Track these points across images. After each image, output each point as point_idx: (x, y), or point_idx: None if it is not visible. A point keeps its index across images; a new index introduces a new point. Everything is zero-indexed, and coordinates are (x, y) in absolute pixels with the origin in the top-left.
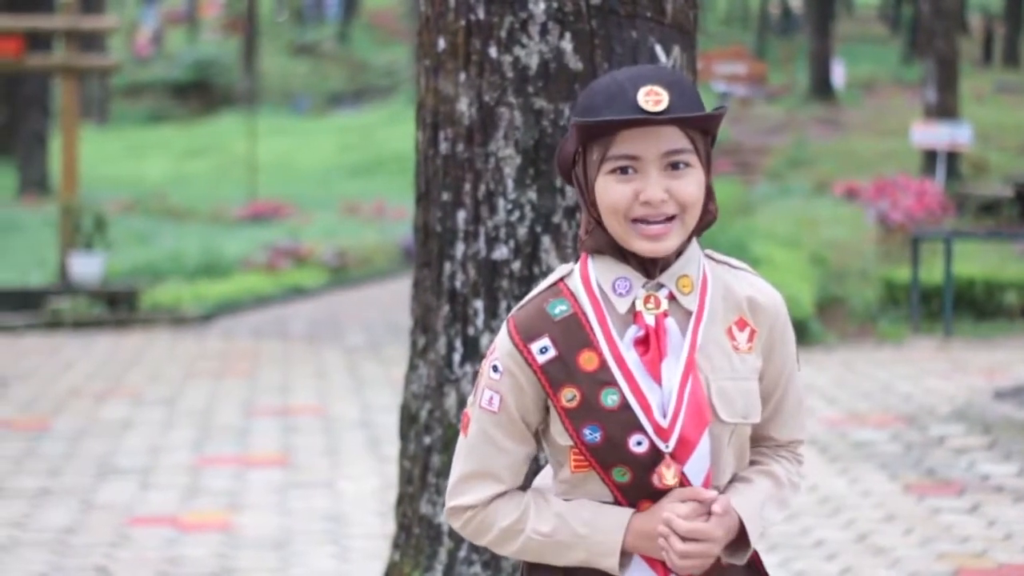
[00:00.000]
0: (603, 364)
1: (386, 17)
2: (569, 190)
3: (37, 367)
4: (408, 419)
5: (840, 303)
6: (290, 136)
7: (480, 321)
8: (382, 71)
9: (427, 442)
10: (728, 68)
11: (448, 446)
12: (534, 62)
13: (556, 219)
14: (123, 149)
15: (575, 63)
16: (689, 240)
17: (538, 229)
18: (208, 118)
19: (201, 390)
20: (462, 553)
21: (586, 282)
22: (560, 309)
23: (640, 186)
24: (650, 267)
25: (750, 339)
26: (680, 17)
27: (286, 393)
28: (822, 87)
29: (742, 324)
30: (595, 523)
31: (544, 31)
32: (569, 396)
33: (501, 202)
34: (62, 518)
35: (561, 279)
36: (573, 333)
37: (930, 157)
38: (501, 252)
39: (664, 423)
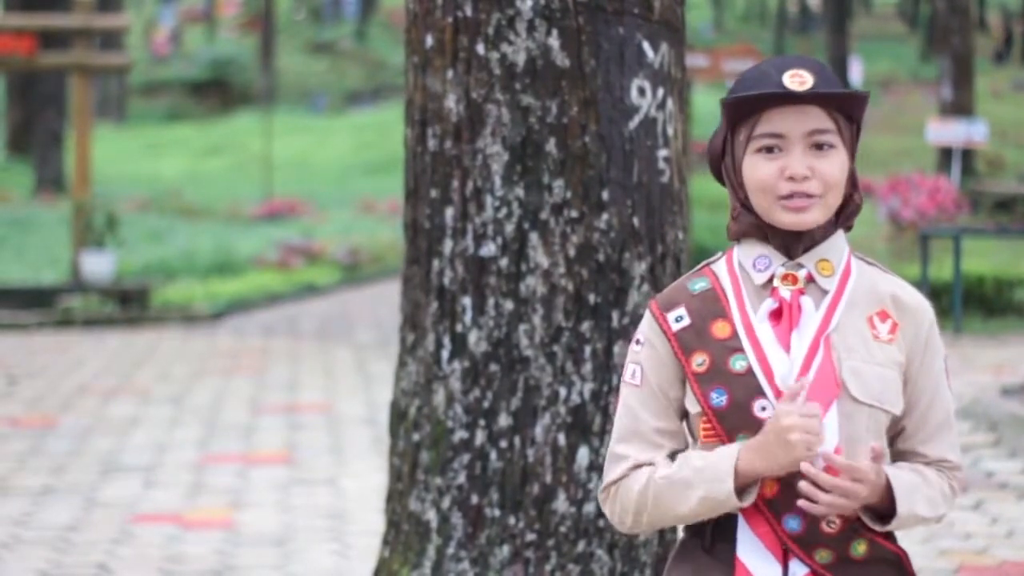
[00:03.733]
0: (734, 333)
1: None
2: (556, 187)
3: (46, 365)
4: (397, 416)
5: None
6: (307, 134)
7: (468, 318)
8: (399, 69)
9: (416, 439)
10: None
11: (436, 443)
12: (521, 59)
13: (544, 215)
14: (140, 147)
15: (562, 60)
16: (835, 230)
17: (526, 226)
18: (225, 117)
19: (209, 388)
20: (450, 550)
21: (729, 262)
22: (700, 285)
23: (785, 163)
24: (792, 248)
25: (891, 331)
26: (667, 14)
27: (294, 391)
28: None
29: (884, 316)
30: (709, 457)
31: (531, 28)
32: (699, 361)
33: (489, 199)
34: (65, 516)
35: (708, 264)
36: (709, 305)
37: (946, 154)
38: (489, 249)
39: (786, 389)
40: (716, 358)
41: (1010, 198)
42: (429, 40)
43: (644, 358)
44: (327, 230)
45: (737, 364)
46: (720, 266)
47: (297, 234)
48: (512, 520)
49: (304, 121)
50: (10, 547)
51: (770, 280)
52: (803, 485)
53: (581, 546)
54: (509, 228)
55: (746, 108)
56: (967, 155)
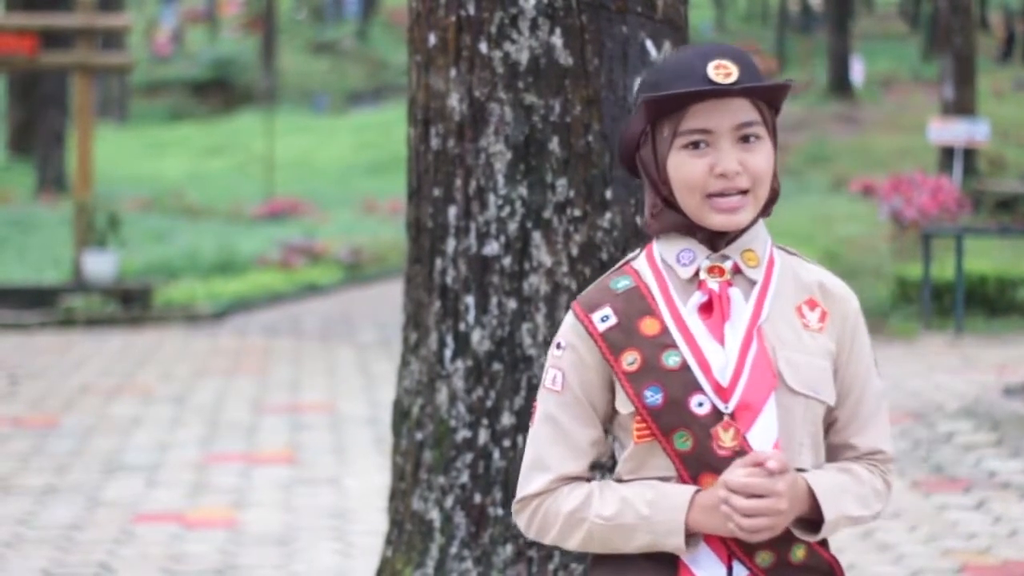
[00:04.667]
0: (664, 328)
1: (405, 15)
2: (559, 185)
3: (49, 365)
4: (400, 415)
5: None
6: (309, 134)
7: (471, 317)
8: (401, 69)
9: (419, 438)
10: None
11: (439, 442)
12: (524, 57)
13: (547, 214)
14: (142, 147)
15: (565, 58)
16: (757, 220)
17: (529, 225)
18: (227, 116)
19: (211, 388)
20: (453, 549)
21: (650, 259)
22: (623, 284)
23: (714, 159)
24: (716, 241)
25: (821, 319)
26: (671, 12)
27: (296, 390)
28: (841, 84)
29: (812, 304)
30: (658, 503)
31: (534, 26)
32: (630, 360)
33: (492, 198)
34: (67, 515)
35: (627, 261)
36: (634, 303)
37: (947, 154)
38: (492, 248)
39: (724, 382)
40: (648, 355)
41: (1012, 198)
42: (432, 39)
43: (566, 363)
44: (329, 230)
45: (671, 360)
46: (641, 263)
47: (299, 234)
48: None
49: (306, 121)
50: (13, 546)
51: (696, 274)
52: (731, 527)
53: None
54: (512, 227)
55: (670, 103)
56: (969, 155)
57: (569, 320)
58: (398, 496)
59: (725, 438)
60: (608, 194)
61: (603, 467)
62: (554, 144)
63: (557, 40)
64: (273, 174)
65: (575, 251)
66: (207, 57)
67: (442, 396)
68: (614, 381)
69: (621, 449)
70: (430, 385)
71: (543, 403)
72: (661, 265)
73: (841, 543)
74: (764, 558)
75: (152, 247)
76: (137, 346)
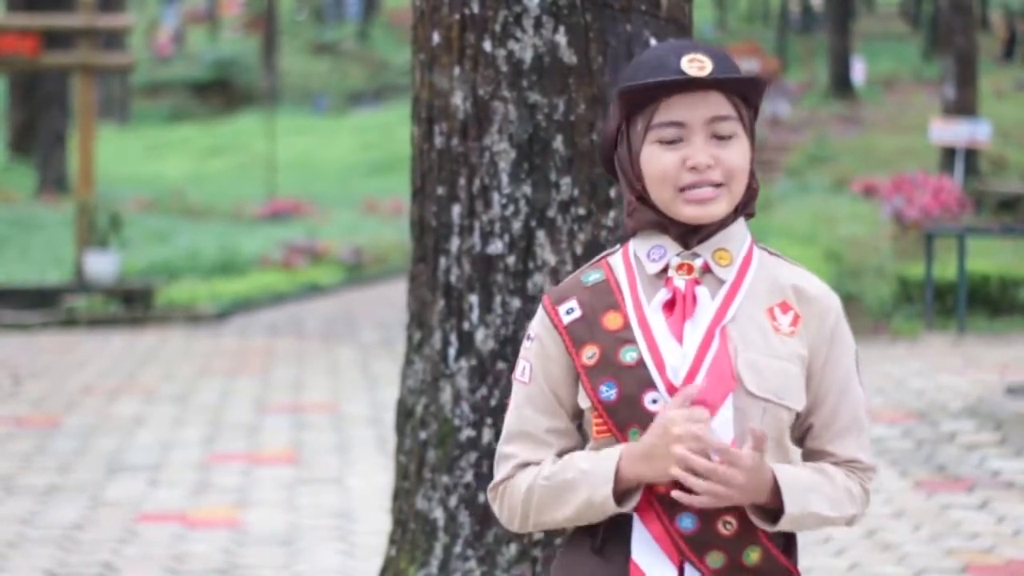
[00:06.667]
0: (626, 324)
1: (406, 16)
2: (563, 184)
3: (51, 365)
4: (404, 414)
5: (855, 300)
6: (310, 135)
7: (475, 316)
8: (402, 70)
9: (423, 437)
10: (741, 64)
11: (443, 441)
12: (528, 56)
13: (551, 213)
14: (143, 148)
15: (569, 57)
16: (734, 218)
17: (533, 223)
18: (228, 117)
19: (214, 387)
20: (457, 548)
21: (625, 254)
22: (594, 277)
23: (687, 153)
24: (689, 239)
25: (793, 323)
26: (675, 10)
27: (298, 390)
28: (842, 84)
29: (785, 307)
30: (594, 458)
31: (538, 25)
32: (590, 354)
33: (496, 196)
34: (70, 515)
35: (604, 256)
36: (601, 297)
37: (949, 154)
38: (496, 247)
39: (676, 381)
40: (606, 350)
41: (1014, 198)
42: (436, 37)
43: (534, 355)
44: (331, 230)
45: (627, 356)
46: (616, 258)
47: (301, 234)
48: None
49: (307, 121)
50: (16, 546)
51: (665, 270)
52: (675, 470)
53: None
54: (516, 226)
55: (644, 96)
56: (970, 155)
57: (539, 312)
58: (402, 495)
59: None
60: (612, 193)
61: None
62: (558, 143)
63: (561, 38)
64: (274, 174)
65: (579, 250)
66: (208, 57)
67: (446, 395)
68: (577, 374)
69: (589, 445)
70: (434, 384)
71: (514, 394)
72: (633, 261)
73: (844, 543)
74: (716, 559)
75: (154, 247)
76: (139, 346)
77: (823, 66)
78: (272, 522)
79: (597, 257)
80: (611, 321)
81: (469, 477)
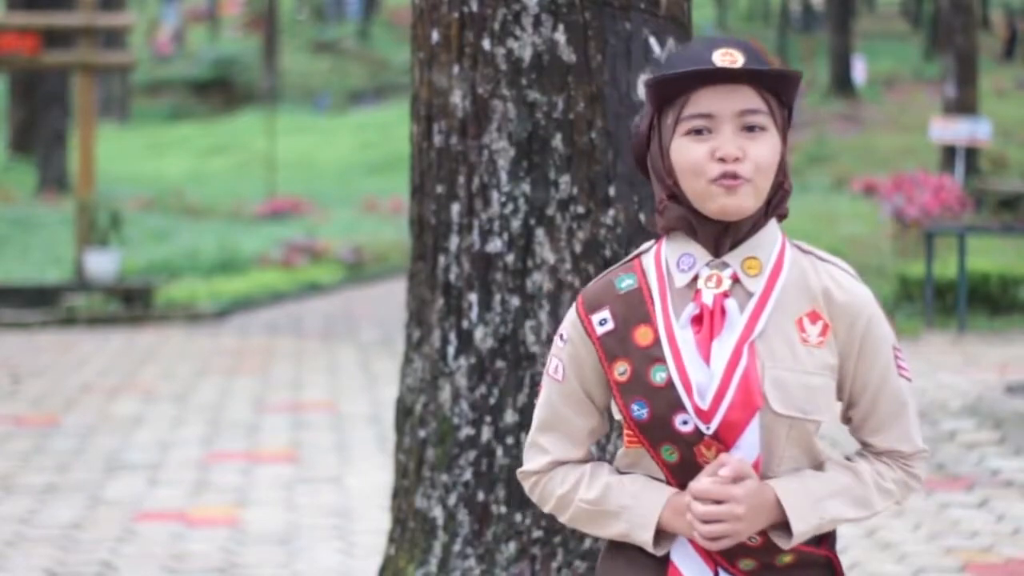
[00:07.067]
0: (656, 340)
1: (406, 14)
2: (563, 182)
3: (50, 364)
4: (403, 412)
5: None
6: (310, 134)
7: (474, 314)
8: (402, 68)
9: (422, 435)
10: None
11: (443, 439)
12: (527, 54)
13: (550, 211)
14: (144, 147)
15: (568, 55)
16: (765, 221)
17: (532, 222)
18: (228, 116)
19: (213, 386)
20: (456, 547)
21: (657, 258)
22: (627, 283)
23: (716, 144)
24: (720, 245)
25: (822, 333)
26: (674, 9)
27: (298, 389)
28: (843, 83)
29: (814, 317)
30: (639, 496)
31: (537, 23)
32: (621, 370)
33: (495, 195)
34: (69, 514)
35: (639, 255)
36: (633, 308)
37: (949, 153)
38: (495, 245)
39: (704, 405)
40: (637, 368)
41: (1014, 196)
42: (435, 35)
43: (567, 356)
44: (330, 229)
45: (657, 376)
46: (648, 260)
47: (301, 233)
48: (519, 517)
49: (307, 120)
50: (15, 545)
51: (694, 280)
52: (688, 516)
53: (587, 543)
54: (515, 224)
55: (674, 88)
56: (971, 154)
57: (572, 315)
58: (401, 494)
59: (708, 455)
60: (611, 191)
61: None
62: (557, 141)
63: (560, 37)
64: (274, 173)
65: (578, 248)
66: (208, 56)
67: (445, 393)
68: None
69: (620, 451)
70: (433, 383)
71: (546, 388)
72: (665, 269)
73: (843, 542)
74: (747, 564)
75: (153, 246)
76: (138, 345)
77: (823, 65)
78: (271, 521)
79: (632, 254)
80: (642, 336)
81: (468, 475)
